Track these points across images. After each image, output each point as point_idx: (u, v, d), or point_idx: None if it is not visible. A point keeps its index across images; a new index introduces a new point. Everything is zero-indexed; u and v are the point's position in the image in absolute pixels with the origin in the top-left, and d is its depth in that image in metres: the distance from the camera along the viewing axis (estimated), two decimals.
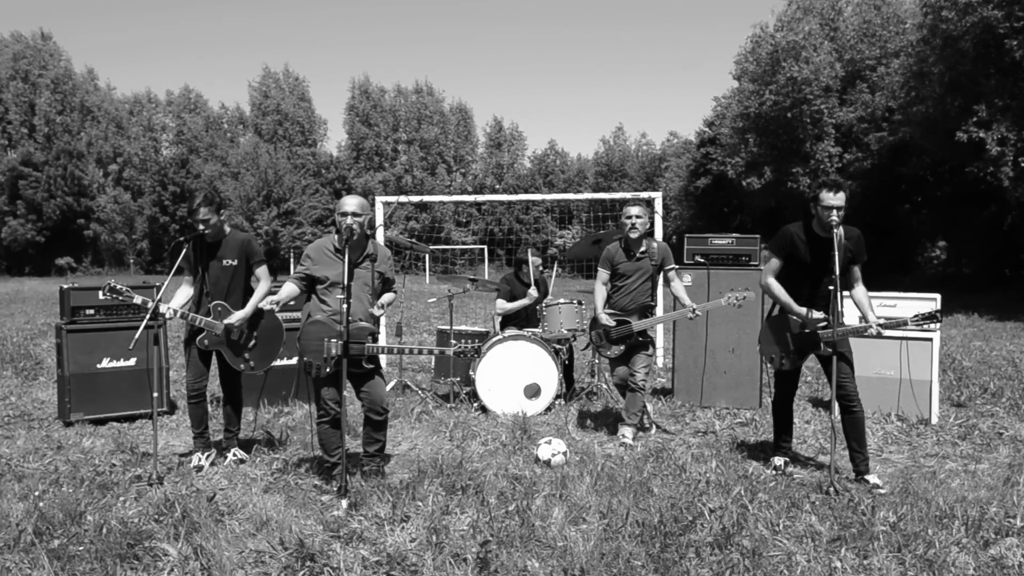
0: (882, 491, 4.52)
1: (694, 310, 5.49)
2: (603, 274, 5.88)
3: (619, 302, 5.82)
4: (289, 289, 4.76)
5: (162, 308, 4.88)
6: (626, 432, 5.76)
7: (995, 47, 18.35)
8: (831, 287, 4.53)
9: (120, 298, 4.89)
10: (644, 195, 9.87)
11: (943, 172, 24.76)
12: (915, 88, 22.18)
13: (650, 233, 6.00)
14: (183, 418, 6.55)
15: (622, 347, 5.74)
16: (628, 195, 10.71)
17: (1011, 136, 18.11)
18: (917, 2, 22.42)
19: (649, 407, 6.23)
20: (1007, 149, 18.18)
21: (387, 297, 4.92)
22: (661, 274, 5.89)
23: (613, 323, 5.73)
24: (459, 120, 60.24)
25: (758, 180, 28.97)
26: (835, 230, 4.52)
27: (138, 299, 4.95)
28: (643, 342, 5.78)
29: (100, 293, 4.88)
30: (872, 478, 4.69)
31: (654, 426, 6.25)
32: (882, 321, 4.66)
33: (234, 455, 5.23)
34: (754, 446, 5.63)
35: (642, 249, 5.75)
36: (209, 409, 5.46)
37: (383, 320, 4.90)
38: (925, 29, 21.07)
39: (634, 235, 5.70)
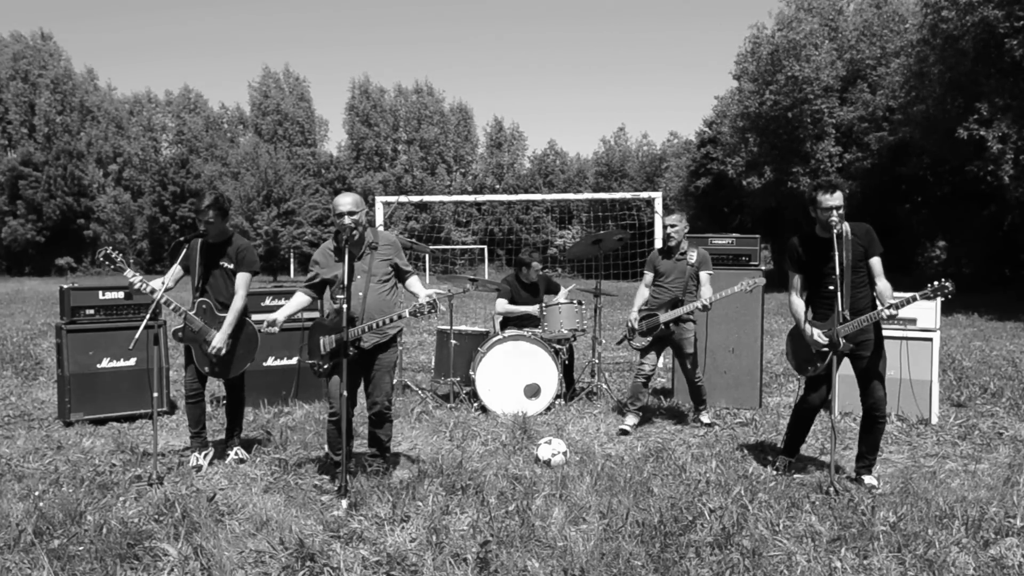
0: (877, 489, 4.52)
1: (703, 303, 6.06)
2: (647, 276, 6.51)
3: (658, 298, 6.35)
4: (298, 300, 4.91)
5: (155, 283, 4.82)
6: (703, 417, 6.43)
7: (995, 47, 18.35)
8: (831, 287, 4.51)
9: (113, 267, 4.74)
10: (644, 195, 9.88)
11: (943, 172, 24.77)
12: (915, 88, 22.19)
13: (692, 240, 6.69)
14: (183, 418, 6.54)
15: (649, 338, 6.30)
16: (628, 195, 10.73)
17: (1012, 133, 18.09)
18: (917, 2, 22.42)
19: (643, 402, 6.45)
20: (1008, 147, 18.17)
21: (417, 286, 4.86)
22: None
23: (638, 321, 6.34)
24: (459, 120, 60.28)
25: (758, 180, 28.99)
26: (836, 229, 4.48)
27: (129, 272, 4.77)
28: (668, 335, 6.27)
29: (97, 257, 4.81)
30: (869, 479, 4.68)
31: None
32: (893, 302, 4.45)
33: (236, 454, 5.24)
34: (754, 446, 5.63)
35: (681, 251, 6.34)
36: (208, 409, 5.47)
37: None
38: (925, 29, 21.07)
39: (671, 243, 6.34)
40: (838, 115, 27.17)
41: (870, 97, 26.62)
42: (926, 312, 6.34)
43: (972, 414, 6.64)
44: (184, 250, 5.04)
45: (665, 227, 6.37)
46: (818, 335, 4.60)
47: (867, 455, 4.76)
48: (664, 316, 6.19)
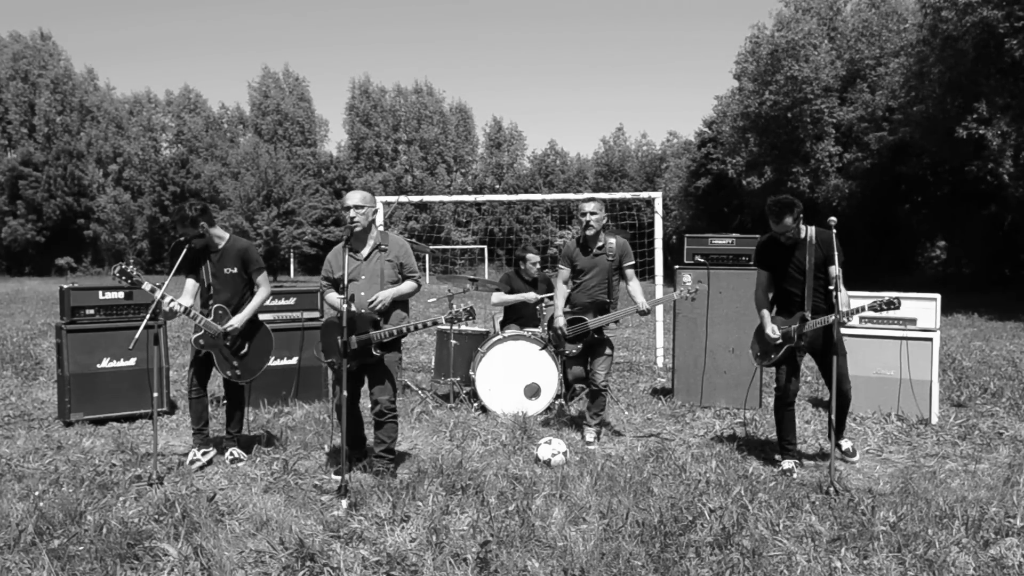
0: (854, 461, 5.16)
1: (644, 307, 5.53)
2: (563, 272, 5.87)
3: (577, 299, 5.80)
4: (334, 297, 4.85)
5: (175, 305, 4.91)
6: (588, 434, 5.78)
7: (995, 47, 18.34)
8: (791, 287, 4.95)
9: (130, 281, 4.82)
10: (644, 195, 9.88)
11: (943, 172, 24.76)
12: (915, 88, 22.18)
13: (608, 228, 6.04)
14: (183, 418, 6.55)
15: (579, 345, 5.75)
16: (628, 195, 10.73)
17: (1012, 131, 18.06)
18: (916, 2, 22.42)
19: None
20: (1007, 144, 18.14)
21: (406, 286, 4.84)
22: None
23: (565, 323, 5.77)
24: (459, 120, 60.23)
25: (758, 180, 28.98)
26: (788, 242, 4.88)
27: (147, 285, 4.87)
28: (600, 340, 5.73)
29: (112, 276, 4.91)
30: (845, 443, 5.29)
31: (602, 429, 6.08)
32: (844, 310, 4.69)
33: (231, 454, 5.25)
34: (754, 446, 5.63)
35: (599, 245, 5.71)
36: (210, 408, 5.52)
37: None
38: (925, 29, 21.07)
39: (590, 232, 5.68)
40: (838, 115, 27.16)
41: (870, 97, 26.60)
42: (926, 312, 6.35)
43: (972, 414, 6.64)
44: (184, 250, 5.09)
45: (585, 214, 5.67)
46: (771, 330, 5.00)
47: (838, 430, 5.13)
48: (593, 323, 5.63)
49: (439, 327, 6.49)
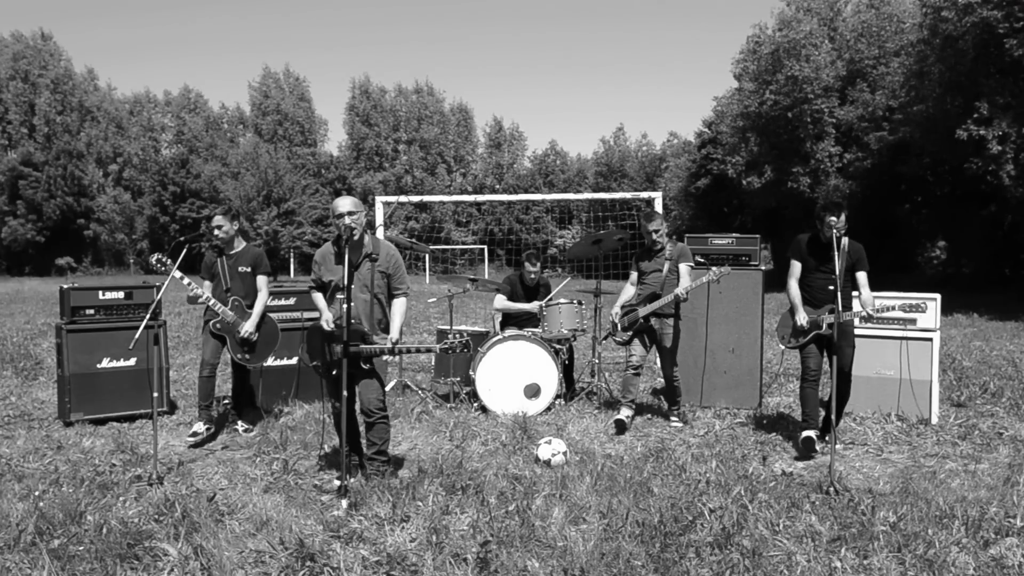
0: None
1: (679, 293, 6.19)
2: (632, 276, 6.68)
3: (640, 294, 6.52)
4: (319, 299, 4.84)
5: (199, 290, 5.66)
6: (672, 418, 6.55)
7: (995, 47, 18.34)
8: (831, 287, 5.23)
9: (163, 268, 5.41)
10: (644, 195, 9.87)
11: (943, 172, 24.74)
12: (915, 88, 22.18)
13: (672, 236, 6.91)
14: (183, 418, 6.56)
15: (630, 332, 6.45)
16: (628, 195, 10.73)
17: (1012, 132, 18.05)
18: (916, 2, 22.41)
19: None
20: (1007, 147, 18.14)
21: (400, 311, 4.77)
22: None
23: (620, 317, 6.54)
24: (459, 120, 60.24)
25: (758, 179, 28.97)
26: (839, 237, 5.28)
27: (178, 273, 5.39)
28: (649, 328, 6.38)
29: (152, 260, 5.58)
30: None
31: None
32: (875, 306, 5.47)
33: (240, 425, 6.06)
34: (754, 446, 5.63)
35: (658, 247, 6.50)
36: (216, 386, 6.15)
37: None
38: (925, 29, 21.07)
39: (656, 248, 6.53)
40: (838, 115, 27.16)
41: (870, 97, 26.60)
42: (926, 312, 6.34)
43: (972, 414, 6.64)
44: (184, 250, 5.57)
45: (650, 232, 6.45)
46: (801, 318, 5.62)
47: (833, 424, 5.40)
48: (643, 310, 6.32)
49: (438, 328, 6.55)
